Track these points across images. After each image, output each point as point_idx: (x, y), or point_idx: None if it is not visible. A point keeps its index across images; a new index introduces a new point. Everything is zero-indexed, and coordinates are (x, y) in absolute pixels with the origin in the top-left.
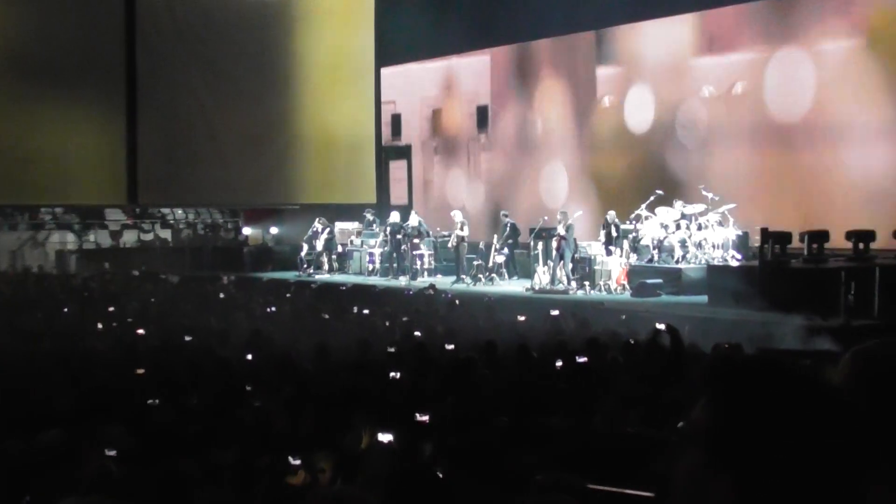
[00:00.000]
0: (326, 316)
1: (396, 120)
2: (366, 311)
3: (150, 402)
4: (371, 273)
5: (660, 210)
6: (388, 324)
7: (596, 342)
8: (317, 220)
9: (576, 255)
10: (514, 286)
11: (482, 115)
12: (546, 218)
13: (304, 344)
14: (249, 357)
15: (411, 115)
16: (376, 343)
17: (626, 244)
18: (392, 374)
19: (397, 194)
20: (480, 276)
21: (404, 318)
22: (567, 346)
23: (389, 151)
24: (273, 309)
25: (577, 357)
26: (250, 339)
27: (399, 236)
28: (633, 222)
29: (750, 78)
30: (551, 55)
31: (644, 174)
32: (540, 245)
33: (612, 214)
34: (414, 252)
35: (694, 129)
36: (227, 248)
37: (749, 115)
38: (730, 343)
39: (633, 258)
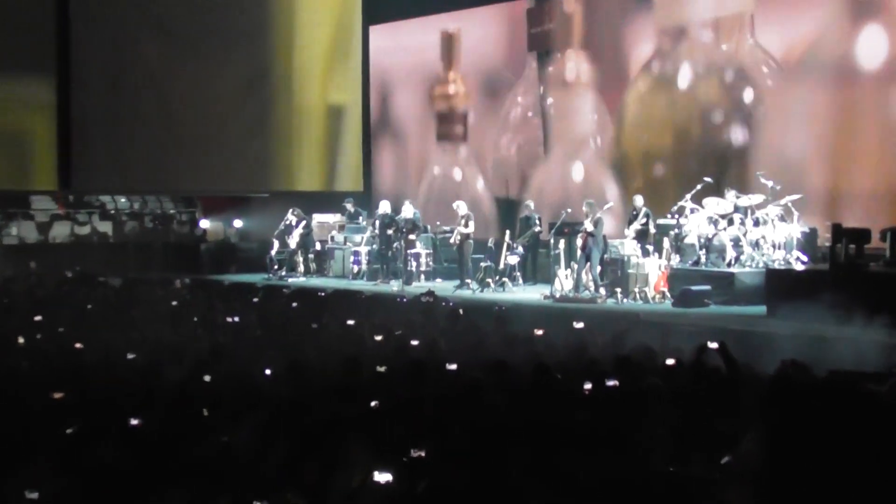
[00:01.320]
0: (302, 328)
1: (387, 90)
2: (350, 323)
3: (70, 430)
4: (356, 276)
5: (708, 201)
6: (377, 338)
7: (629, 362)
8: (290, 211)
9: (605, 256)
10: (530, 293)
11: (491, 86)
12: (569, 210)
13: (274, 362)
14: (208, 378)
15: (405, 85)
16: (363, 362)
17: (666, 243)
18: (381, 399)
19: (388, 181)
20: (489, 280)
21: (397, 332)
22: (594, 366)
23: (379, 129)
24: (237, 319)
25: (606, 380)
26: (209, 355)
27: (390, 231)
28: (676, 216)
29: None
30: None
31: (690, 157)
32: (562, 243)
33: (639, 200)
34: (408, 251)
35: (755, 103)
36: (180, 244)
37: (824, 85)
38: (794, 363)
39: (675, 260)
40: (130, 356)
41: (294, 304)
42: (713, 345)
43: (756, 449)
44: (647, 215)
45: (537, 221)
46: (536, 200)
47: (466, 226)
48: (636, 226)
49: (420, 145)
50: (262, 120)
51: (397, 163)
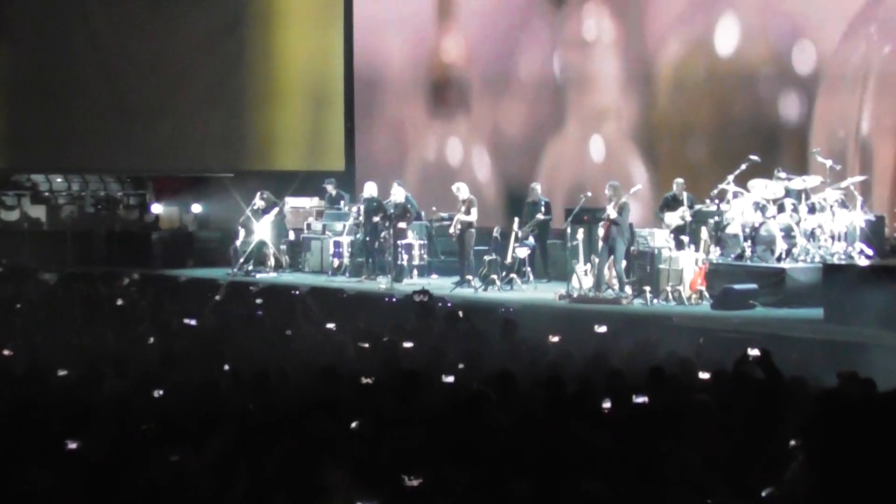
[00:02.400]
0: (272, 334)
1: (374, 52)
2: (329, 327)
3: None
4: (337, 271)
5: (755, 184)
6: (361, 345)
7: (660, 374)
8: (258, 194)
9: (632, 248)
10: (542, 292)
11: (496, 50)
12: (589, 194)
13: (238, 374)
14: (159, 392)
15: (396, 46)
16: (345, 372)
17: (704, 233)
18: (365, 418)
19: (375, 158)
20: (495, 276)
21: (385, 338)
22: (619, 379)
23: (364, 97)
24: (193, 322)
25: (633, 395)
26: (161, 365)
27: (377, 219)
28: (716, 201)
29: None
30: None
31: (732, 131)
32: (580, 233)
33: (679, 184)
34: (399, 241)
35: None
36: (128, 233)
37: None
38: (854, 376)
39: (715, 253)
40: (65, 368)
41: (263, 305)
42: (754, 352)
43: (803, 479)
44: (691, 201)
45: (543, 207)
46: (550, 182)
47: (468, 212)
48: (683, 214)
49: (413, 117)
50: (226, 86)
51: (386, 137)
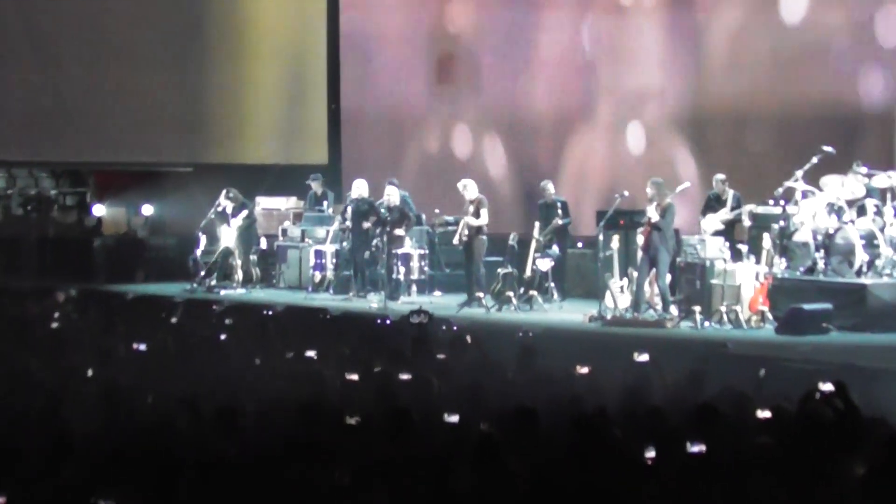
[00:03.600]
0: (239, 362)
1: (364, 23)
2: (310, 354)
3: None
4: (319, 286)
5: (828, 181)
6: (348, 377)
7: (713, 414)
8: (223, 192)
9: (678, 260)
10: (568, 312)
11: (512, 17)
12: (626, 193)
13: (197, 411)
14: (101, 429)
15: (390, 16)
16: (326, 410)
17: (767, 240)
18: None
19: (365, 150)
20: (510, 293)
21: (376, 369)
22: (662, 420)
23: (353, 76)
24: (143, 347)
25: (680, 441)
26: (103, 398)
27: (368, 223)
28: (781, 203)
29: None
30: None
31: (801, 117)
32: (615, 241)
33: (719, 180)
34: (394, 251)
35: None
36: (63, 239)
37: None
38: None
39: (780, 265)
40: None
41: (228, 328)
42: (826, 387)
43: None
44: (737, 200)
45: (559, 209)
46: (578, 178)
47: (477, 215)
48: (723, 215)
49: (412, 99)
50: (183, 59)
51: (378, 125)
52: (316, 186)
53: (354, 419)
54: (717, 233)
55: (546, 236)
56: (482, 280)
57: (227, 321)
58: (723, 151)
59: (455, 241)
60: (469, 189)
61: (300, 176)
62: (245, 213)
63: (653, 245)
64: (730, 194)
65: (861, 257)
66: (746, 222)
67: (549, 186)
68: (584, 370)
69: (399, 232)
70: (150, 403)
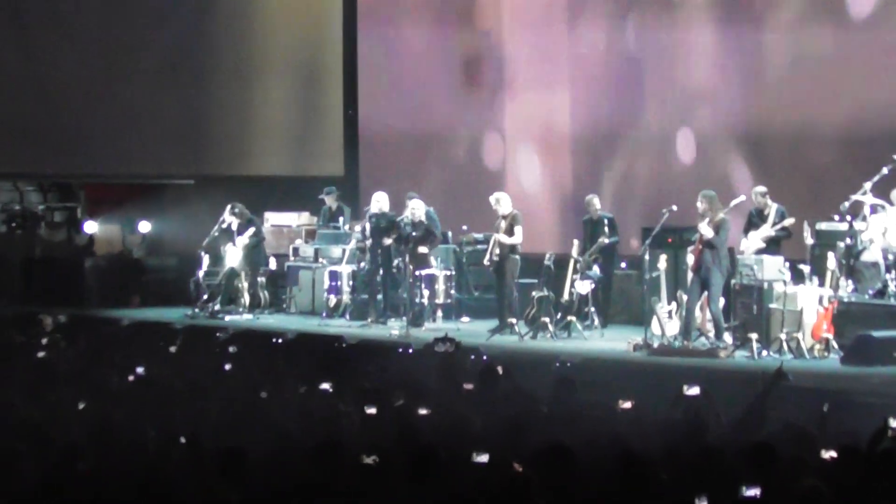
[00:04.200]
0: (245, 395)
1: (385, 21)
2: (325, 387)
3: None
4: (334, 312)
5: None
6: (367, 411)
7: (772, 454)
8: (228, 208)
9: (733, 282)
10: (611, 340)
11: (547, 13)
12: (675, 208)
13: (200, 449)
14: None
15: (412, 12)
16: (343, 449)
17: (832, 260)
18: None
19: (385, 160)
20: (546, 319)
21: (397, 403)
22: (716, 461)
23: (371, 80)
24: (139, 379)
25: (734, 485)
26: (94, 436)
27: (389, 241)
28: (848, 218)
29: None
30: None
31: (870, 125)
32: (662, 261)
33: (759, 193)
34: (418, 272)
35: None
36: (52, 260)
37: None
38: None
39: (847, 288)
40: None
41: (234, 357)
42: None
43: None
44: (780, 215)
45: (606, 226)
46: (621, 191)
47: (510, 232)
48: (763, 232)
49: (437, 105)
50: (185, 63)
51: (399, 133)
52: (330, 201)
53: (372, 459)
54: (759, 252)
55: (590, 256)
56: (515, 304)
57: (232, 350)
58: (782, 161)
59: (485, 261)
60: (503, 203)
61: (313, 189)
62: (252, 230)
63: (704, 265)
64: (773, 208)
65: None
66: (809, 240)
67: (595, 201)
68: (628, 405)
69: (423, 250)
70: (147, 442)
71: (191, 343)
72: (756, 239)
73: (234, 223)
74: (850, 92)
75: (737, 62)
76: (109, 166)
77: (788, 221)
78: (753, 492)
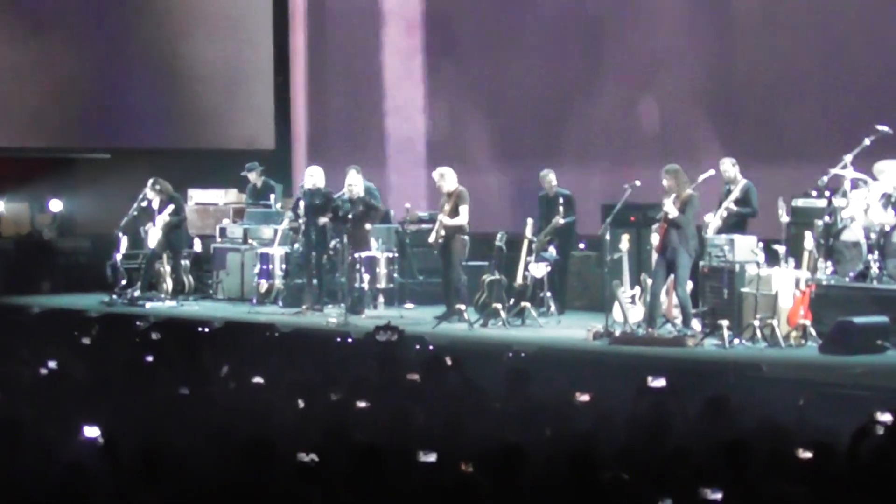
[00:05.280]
0: (167, 389)
1: None
2: (257, 380)
3: None
4: (265, 298)
5: (884, 167)
6: (301, 405)
7: (744, 453)
8: (149, 184)
9: (701, 264)
10: (568, 328)
11: None
12: (637, 183)
13: (116, 447)
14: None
15: None
16: (276, 447)
17: (809, 239)
18: None
19: (320, 131)
20: (498, 305)
21: (335, 396)
22: (682, 459)
23: (305, 40)
24: (51, 368)
25: (702, 489)
26: (1, 435)
27: (325, 220)
28: (825, 194)
29: None
30: None
31: (848, 87)
32: (624, 242)
33: (729, 162)
34: (357, 254)
35: None
36: None
37: None
38: None
39: (826, 270)
40: None
41: (155, 347)
42: (884, 417)
43: None
44: (746, 190)
45: (562, 204)
46: (579, 165)
47: (455, 213)
48: (727, 207)
49: (377, 70)
50: (99, 22)
51: (337, 99)
52: (254, 177)
53: (310, 458)
54: (718, 232)
55: (545, 236)
56: (463, 289)
57: (154, 339)
58: (754, 130)
59: (430, 240)
60: (447, 179)
61: (240, 164)
62: (172, 207)
63: (670, 246)
64: (741, 185)
65: None
66: (784, 218)
67: (551, 176)
68: (586, 398)
69: (368, 227)
70: (58, 442)
71: (108, 333)
72: (716, 217)
73: (156, 200)
74: (829, 54)
75: (704, 19)
76: (15, 139)
77: (733, 197)
78: (716, 496)
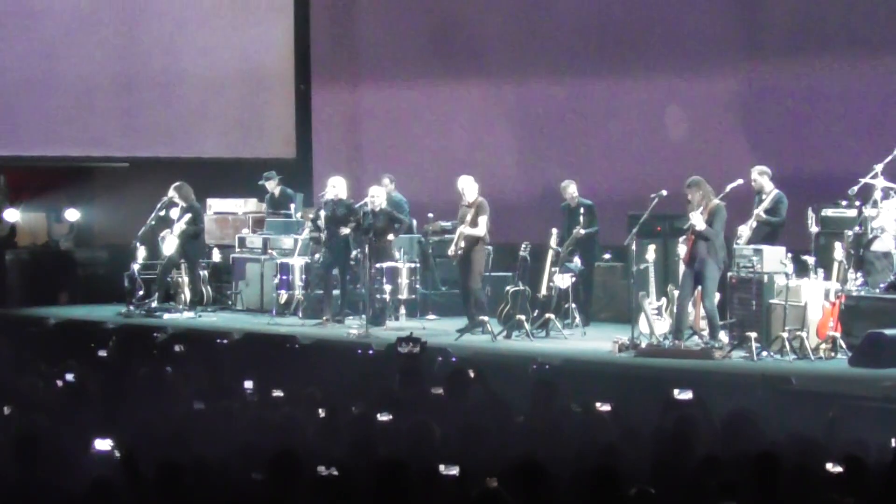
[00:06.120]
0: (185, 403)
1: None
2: (277, 394)
3: None
4: (285, 309)
5: None
6: (322, 416)
7: (775, 465)
8: (174, 186)
9: (729, 274)
10: (593, 340)
11: None
12: (664, 193)
13: (134, 462)
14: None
15: None
16: (297, 461)
17: (839, 250)
18: None
19: (341, 141)
20: (522, 317)
21: (356, 409)
22: (710, 472)
23: (326, 51)
24: (69, 380)
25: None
26: (17, 449)
27: (346, 230)
28: (856, 203)
29: None
30: None
31: (880, 96)
32: (651, 252)
33: (759, 171)
34: (378, 265)
35: None
36: None
37: None
38: None
39: (856, 281)
40: None
41: (174, 359)
42: None
43: None
44: (777, 200)
45: (582, 215)
46: (604, 175)
47: (475, 223)
48: (758, 215)
49: (401, 80)
50: (116, 27)
51: (358, 110)
52: (271, 187)
53: (330, 471)
54: (749, 242)
55: (567, 247)
56: (484, 300)
57: (174, 351)
58: (783, 140)
59: (449, 252)
60: (468, 189)
61: (260, 173)
62: (189, 216)
63: (698, 257)
64: (772, 195)
65: None
66: (813, 228)
67: (572, 187)
68: (606, 408)
69: (391, 238)
70: (77, 457)
71: (125, 345)
72: (746, 228)
73: (176, 208)
74: (860, 61)
75: (731, 28)
76: (32, 148)
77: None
78: None
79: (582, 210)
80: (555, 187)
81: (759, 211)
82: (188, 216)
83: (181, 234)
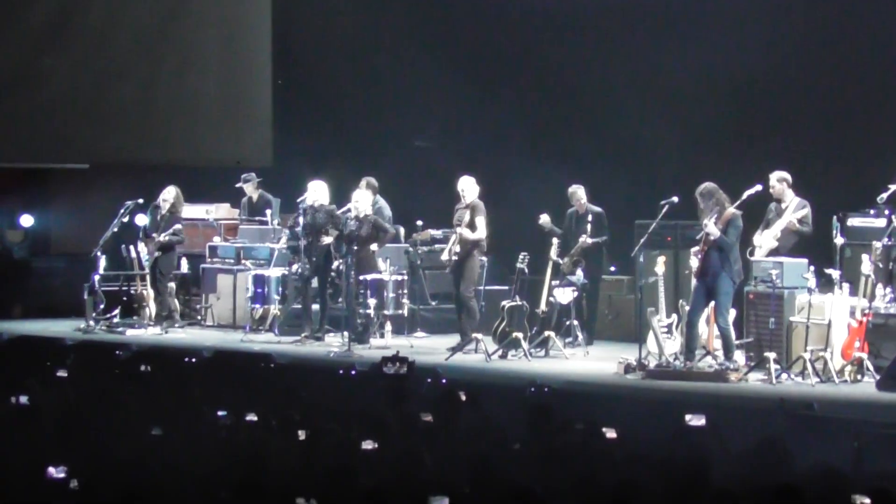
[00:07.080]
0: (151, 425)
1: None
2: (250, 418)
3: None
4: (260, 325)
5: None
6: (300, 442)
7: (797, 498)
8: (163, 194)
9: (746, 289)
10: (597, 360)
11: None
12: (675, 200)
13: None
14: None
15: None
16: (271, 490)
17: (866, 263)
18: None
19: (322, 143)
20: (520, 335)
21: (335, 435)
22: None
23: (303, 42)
24: (23, 402)
25: None
26: None
27: (328, 239)
28: (885, 212)
29: None
30: None
31: None
32: (660, 265)
33: (778, 178)
34: (362, 277)
35: None
36: None
37: None
38: None
39: (885, 297)
40: None
41: (136, 379)
42: None
43: None
44: (805, 207)
45: (590, 223)
46: (609, 178)
47: (472, 226)
48: (777, 228)
49: (385, 76)
50: (80, 20)
51: (340, 109)
52: (250, 190)
53: (309, 502)
54: (772, 253)
55: (572, 258)
56: (476, 310)
57: (138, 370)
58: (806, 144)
59: (443, 257)
60: (468, 190)
61: (233, 177)
62: (179, 226)
63: (711, 270)
64: (794, 202)
65: None
66: (838, 239)
67: (580, 193)
68: (612, 434)
69: (374, 248)
70: (30, 485)
71: (84, 363)
72: (769, 237)
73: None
74: (886, 65)
75: (751, 31)
76: None
77: (799, 213)
78: None
79: (590, 217)
80: (555, 194)
81: (793, 218)
82: (178, 226)
83: (164, 246)
